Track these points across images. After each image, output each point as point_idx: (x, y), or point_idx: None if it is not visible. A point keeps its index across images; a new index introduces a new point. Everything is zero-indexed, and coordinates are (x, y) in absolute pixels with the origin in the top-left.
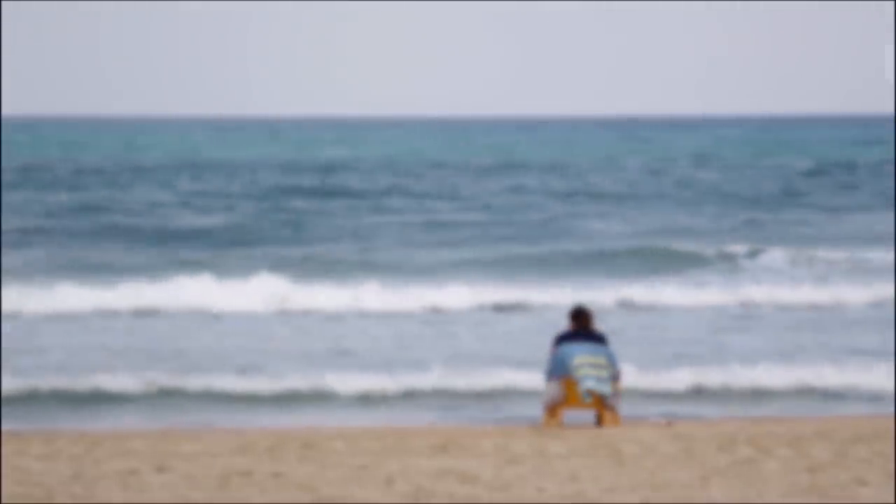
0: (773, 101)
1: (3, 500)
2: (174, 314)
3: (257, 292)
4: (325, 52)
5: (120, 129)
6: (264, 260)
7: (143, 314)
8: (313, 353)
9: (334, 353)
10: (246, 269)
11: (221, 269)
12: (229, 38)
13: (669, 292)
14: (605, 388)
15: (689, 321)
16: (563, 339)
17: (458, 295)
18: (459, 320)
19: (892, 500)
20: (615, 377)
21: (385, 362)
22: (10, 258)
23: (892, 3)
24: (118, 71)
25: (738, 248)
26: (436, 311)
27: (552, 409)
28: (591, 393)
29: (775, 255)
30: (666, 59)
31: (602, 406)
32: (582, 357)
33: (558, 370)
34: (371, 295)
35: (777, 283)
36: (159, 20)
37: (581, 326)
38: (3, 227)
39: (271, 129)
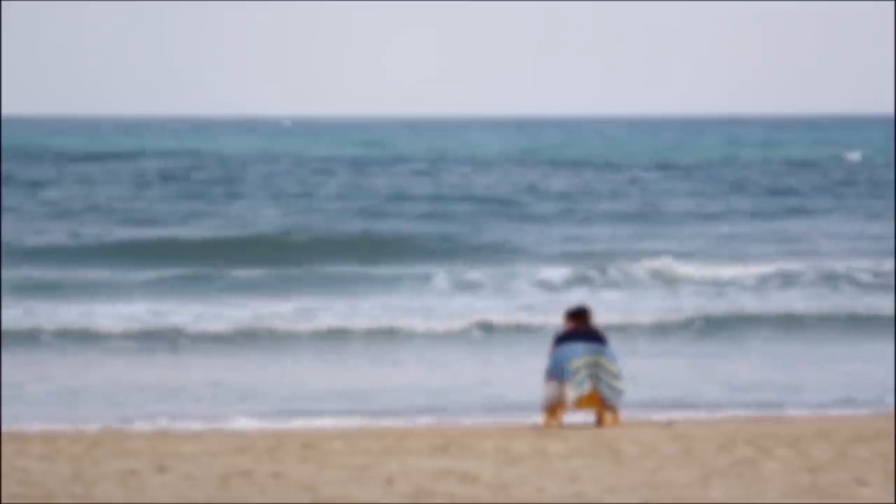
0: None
1: (3, 500)
2: None
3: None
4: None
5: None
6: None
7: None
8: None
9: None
10: None
11: None
12: (236, 38)
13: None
14: (606, 390)
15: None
16: (562, 339)
17: None
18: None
19: (892, 500)
20: (618, 376)
21: None
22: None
23: (892, 2)
24: (114, 71)
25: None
26: None
27: (552, 409)
28: (580, 399)
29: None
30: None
31: (602, 406)
32: (582, 358)
33: (556, 371)
34: None
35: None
36: (157, 20)
37: (581, 326)
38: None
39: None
